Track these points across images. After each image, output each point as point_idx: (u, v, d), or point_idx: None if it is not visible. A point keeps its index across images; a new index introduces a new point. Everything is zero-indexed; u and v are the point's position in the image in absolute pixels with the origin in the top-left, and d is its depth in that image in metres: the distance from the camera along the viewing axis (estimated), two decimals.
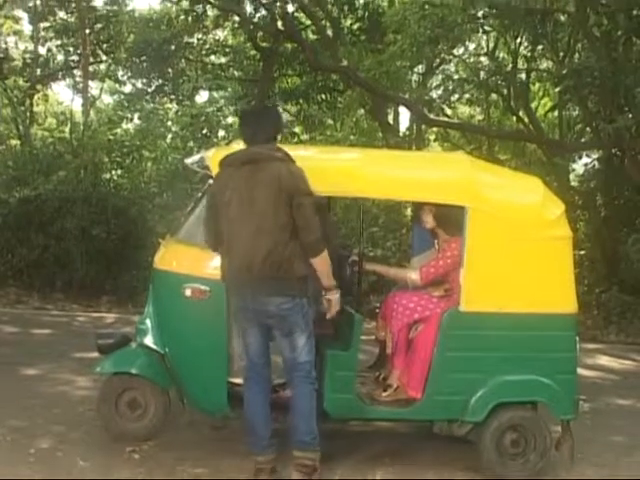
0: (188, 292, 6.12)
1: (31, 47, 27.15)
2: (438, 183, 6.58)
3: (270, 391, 5.91)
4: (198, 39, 25.83)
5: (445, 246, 6.59)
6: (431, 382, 6.27)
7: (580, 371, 6.86)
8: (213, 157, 6.36)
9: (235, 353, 6.35)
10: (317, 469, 5.69)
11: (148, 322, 6.56)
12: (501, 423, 6.31)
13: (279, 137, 5.81)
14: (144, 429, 6.55)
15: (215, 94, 26.36)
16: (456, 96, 23.13)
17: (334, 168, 6.36)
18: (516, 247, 6.29)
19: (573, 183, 21.47)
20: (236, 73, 26.55)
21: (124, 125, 22.30)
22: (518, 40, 20.49)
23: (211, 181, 6.16)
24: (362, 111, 25.92)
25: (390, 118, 25.11)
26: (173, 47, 24.37)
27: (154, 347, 6.47)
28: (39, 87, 26.32)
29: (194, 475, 5.98)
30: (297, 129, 27.12)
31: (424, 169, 6.92)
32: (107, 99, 30.77)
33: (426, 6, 16.73)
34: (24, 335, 11.40)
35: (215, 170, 5.90)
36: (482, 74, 21.01)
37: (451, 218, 6.54)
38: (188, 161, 7.48)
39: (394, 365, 6.60)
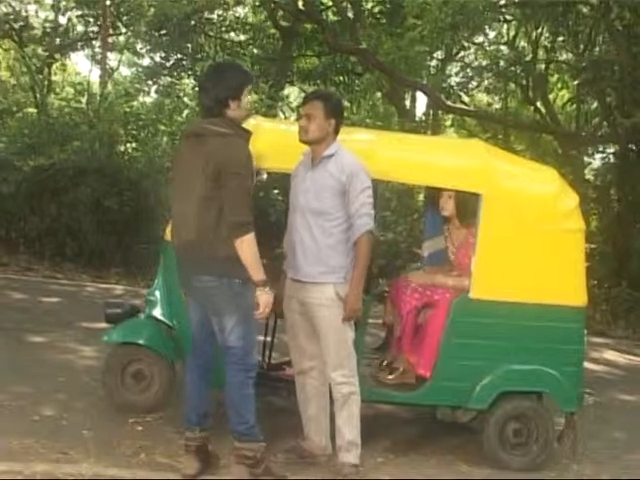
0: None
1: (51, 16, 27.05)
2: (454, 169, 6.57)
3: (210, 368, 5.58)
4: (218, 15, 25.69)
5: (471, 239, 6.49)
6: (438, 367, 6.27)
7: (586, 365, 6.85)
8: None
9: None
10: (261, 460, 5.41)
11: (157, 294, 6.56)
12: (505, 412, 6.31)
13: (245, 94, 5.33)
14: (148, 401, 6.57)
15: None
16: (474, 84, 23.13)
17: (350, 149, 6.31)
18: (528, 237, 6.28)
19: (588, 177, 21.41)
20: (255, 51, 26.47)
21: (141, 98, 22.26)
22: (539, 30, 20.47)
23: None
24: (379, 95, 25.86)
25: (407, 103, 25.06)
26: (193, 22, 24.27)
27: (162, 319, 6.48)
28: (58, 56, 26.26)
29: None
30: None
31: (440, 154, 6.89)
32: (125, 71, 30.77)
33: None
34: (32, 303, 11.43)
35: None
36: (501, 63, 20.94)
37: (468, 207, 6.52)
38: None
39: (401, 348, 6.60)
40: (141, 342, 6.53)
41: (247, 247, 5.16)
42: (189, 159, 5.27)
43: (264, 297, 5.25)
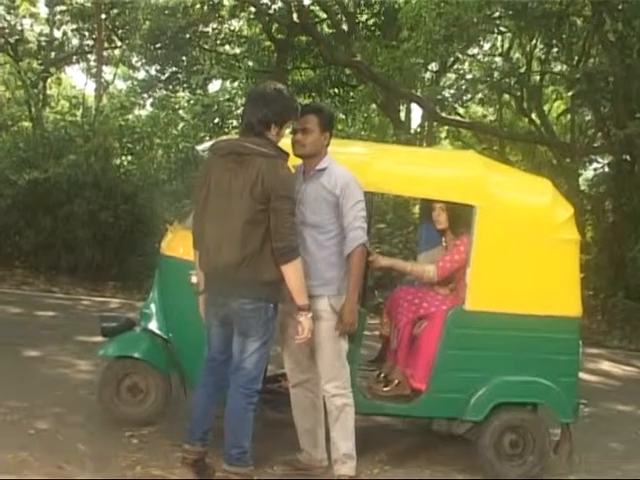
0: (194, 279, 6.06)
1: (47, 30, 27.16)
2: (448, 181, 6.57)
3: (220, 388, 5.55)
4: (213, 29, 25.84)
5: (458, 241, 6.55)
6: (433, 379, 6.25)
7: (582, 375, 6.85)
8: None
9: None
10: None
11: (153, 307, 6.57)
12: (501, 423, 6.30)
13: (286, 125, 5.44)
14: (144, 414, 6.57)
15: (227, 84, 26.38)
16: (469, 95, 23.19)
17: (344, 162, 6.31)
18: (523, 248, 6.27)
19: (582, 187, 21.44)
20: (250, 64, 26.54)
21: (136, 111, 22.30)
22: (533, 42, 20.50)
23: None
24: (374, 107, 25.90)
25: (402, 115, 25.11)
26: (188, 35, 24.37)
27: (158, 332, 6.48)
28: (53, 70, 26.35)
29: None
30: None
31: (435, 166, 6.91)
32: (120, 85, 30.80)
33: (442, 4, 16.74)
34: (28, 317, 11.42)
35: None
36: (496, 74, 21.00)
37: (460, 219, 6.54)
38: (199, 148, 7.46)
39: (397, 361, 6.59)
40: (137, 355, 6.53)
41: (294, 272, 5.22)
42: (229, 179, 5.21)
43: (308, 322, 5.32)
